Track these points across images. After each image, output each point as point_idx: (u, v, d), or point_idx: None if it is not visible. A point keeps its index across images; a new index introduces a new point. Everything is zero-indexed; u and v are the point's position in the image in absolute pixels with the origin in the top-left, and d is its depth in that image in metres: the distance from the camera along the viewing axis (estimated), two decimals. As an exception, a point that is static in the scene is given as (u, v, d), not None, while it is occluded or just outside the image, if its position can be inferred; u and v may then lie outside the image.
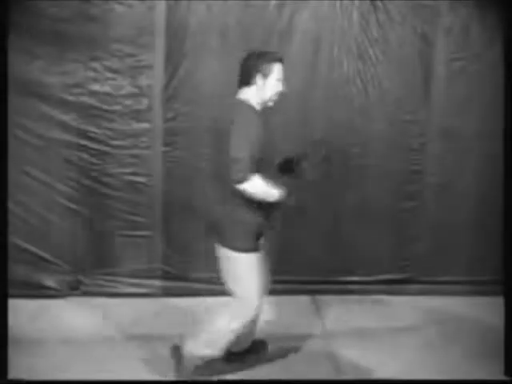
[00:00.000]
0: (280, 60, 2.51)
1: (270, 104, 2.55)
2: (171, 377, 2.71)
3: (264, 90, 2.49)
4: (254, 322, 2.73)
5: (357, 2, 3.47)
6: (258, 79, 2.47)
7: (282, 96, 2.55)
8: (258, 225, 2.51)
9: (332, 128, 3.60)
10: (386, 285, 3.80)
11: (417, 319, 3.48)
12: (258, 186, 2.38)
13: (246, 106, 2.48)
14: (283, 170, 2.71)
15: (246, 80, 2.49)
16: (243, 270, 2.53)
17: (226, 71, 3.40)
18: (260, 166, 2.41)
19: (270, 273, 2.78)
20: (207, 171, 3.49)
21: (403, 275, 3.84)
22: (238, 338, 2.74)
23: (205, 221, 2.69)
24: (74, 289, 3.59)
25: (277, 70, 2.49)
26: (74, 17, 3.30)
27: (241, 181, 2.35)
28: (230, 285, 2.58)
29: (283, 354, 2.99)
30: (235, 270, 2.54)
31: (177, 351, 2.74)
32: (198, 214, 3.43)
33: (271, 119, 2.71)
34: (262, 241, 2.58)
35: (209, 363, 2.71)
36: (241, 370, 2.80)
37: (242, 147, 2.34)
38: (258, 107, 2.51)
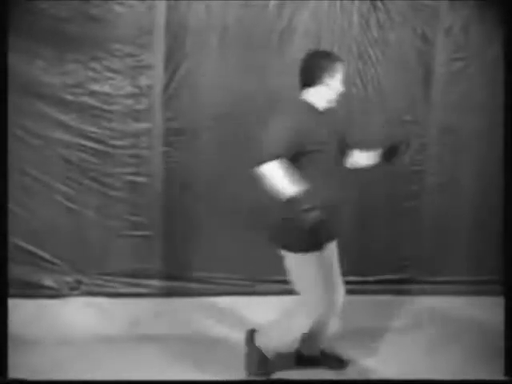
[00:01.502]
0: (341, 60, 2.59)
1: (334, 104, 2.57)
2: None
3: (329, 88, 2.52)
4: (321, 324, 2.72)
5: (357, 2, 3.47)
6: (325, 78, 2.49)
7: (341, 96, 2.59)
8: (311, 223, 2.34)
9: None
10: (386, 285, 3.80)
11: (417, 319, 3.48)
12: (275, 172, 2.33)
13: (295, 102, 2.52)
14: (386, 155, 2.72)
15: (305, 80, 2.52)
16: (307, 270, 2.54)
17: (226, 71, 3.41)
18: (314, 161, 2.44)
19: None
20: (207, 172, 3.50)
21: (403, 275, 3.83)
22: (305, 339, 2.79)
23: (266, 225, 2.65)
24: (73, 289, 3.59)
25: (341, 69, 2.55)
26: (74, 17, 3.29)
27: (261, 162, 2.33)
28: (296, 286, 2.61)
29: (283, 354, 2.99)
30: (298, 271, 2.56)
31: (251, 340, 2.78)
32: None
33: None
34: (325, 239, 2.56)
35: (277, 359, 2.76)
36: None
37: (273, 138, 2.38)
38: (322, 106, 2.53)
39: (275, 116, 2.49)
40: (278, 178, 2.33)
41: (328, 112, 2.58)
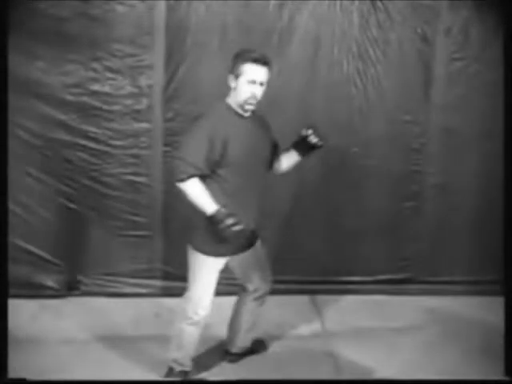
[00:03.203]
0: (254, 60, 2.36)
1: (249, 108, 2.41)
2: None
3: (236, 92, 2.40)
4: (233, 321, 2.81)
5: (357, 2, 3.47)
6: (231, 81, 2.42)
7: (259, 103, 2.44)
8: (220, 230, 2.34)
9: (332, 128, 3.60)
10: (386, 285, 3.80)
11: (417, 319, 3.48)
12: (195, 191, 2.34)
13: (218, 106, 2.45)
14: (297, 147, 2.63)
15: (228, 81, 2.45)
16: (199, 270, 2.54)
17: (226, 71, 3.40)
18: (237, 170, 2.39)
19: (271, 272, 2.79)
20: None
21: (403, 275, 3.83)
22: (230, 338, 2.82)
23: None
24: (73, 289, 3.59)
25: (249, 70, 2.36)
26: (74, 17, 3.29)
27: (180, 180, 2.33)
28: (189, 283, 2.60)
29: (283, 354, 2.99)
30: (195, 270, 2.56)
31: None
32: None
33: (272, 120, 2.70)
34: (234, 247, 2.51)
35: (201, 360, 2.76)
36: (245, 371, 2.81)
37: (191, 148, 2.34)
38: (238, 110, 2.44)
39: (198, 120, 2.43)
40: (197, 196, 2.35)
41: (253, 117, 2.48)
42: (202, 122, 2.41)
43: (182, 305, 2.63)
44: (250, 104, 2.40)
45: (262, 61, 2.37)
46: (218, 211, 2.33)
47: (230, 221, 2.30)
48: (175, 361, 2.71)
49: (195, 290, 2.58)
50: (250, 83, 2.36)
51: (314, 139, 2.55)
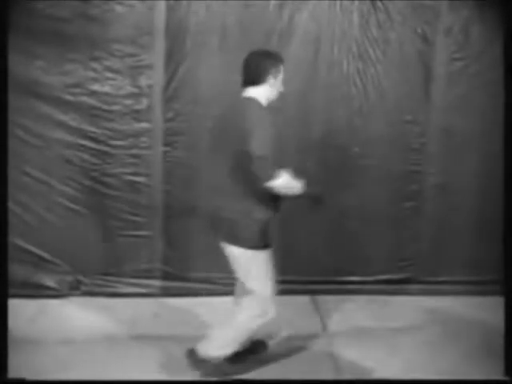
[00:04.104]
0: (283, 60, 2.61)
1: (272, 103, 2.58)
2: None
3: (273, 89, 2.56)
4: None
5: (357, 2, 3.47)
6: (270, 78, 2.52)
7: (280, 96, 2.61)
8: (269, 222, 2.54)
9: (332, 128, 3.60)
10: (386, 285, 3.80)
11: (417, 319, 3.48)
12: (286, 182, 2.40)
13: (258, 104, 2.51)
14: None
15: (255, 79, 2.52)
16: (261, 267, 2.57)
17: (226, 71, 3.41)
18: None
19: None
20: (207, 171, 3.49)
21: (403, 275, 3.83)
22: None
23: (211, 221, 2.66)
24: (74, 289, 3.59)
25: (282, 70, 2.58)
26: (73, 17, 3.30)
27: (269, 178, 2.35)
28: (249, 283, 2.60)
29: (283, 354, 2.99)
30: (253, 268, 2.57)
31: (192, 354, 2.72)
32: (201, 214, 3.42)
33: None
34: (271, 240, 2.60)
35: (218, 365, 2.71)
36: (245, 371, 2.80)
37: (264, 145, 2.35)
38: (264, 104, 2.55)
39: (253, 111, 2.48)
40: (287, 184, 2.41)
41: (271, 111, 2.60)
42: (260, 114, 2.46)
43: (245, 304, 2.63)
44: (275, 99, 2.61)
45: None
46: (305, 187, 2.45)
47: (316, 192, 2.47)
48: (214, 358, 2.68)
49: (260, 286, 2.59)
50: (282, 81, 2.60)
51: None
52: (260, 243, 2.53)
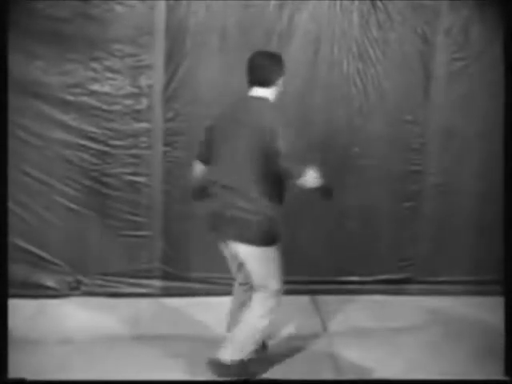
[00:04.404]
0: (284, 62, 2.64)
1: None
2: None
3: (278, 88, 2.62)
4: None
5: (357, 2, 3.48)
6: (279, 81, 2.58)
7: (280, 95, 2.64)
8: (278, 217, 2.57)
9: (332, 128, 3.60)
10: (386, 285, 3.80)
11: (417, 319, 3.48)
12: (314, 177, 2.43)
13: (273, 104, 2.57)
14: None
15: (265, 81, 2.55)
16: (274, 263, 2.63)
17: (225, 71, 3.41)
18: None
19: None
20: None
21: (403, 275, 3.83)
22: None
23: (215, 220, 2.64)
24: (74, 289, 3.59)
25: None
26: (73, 17, 3.30)
27: (300, 175, 2.40)
28: (263, 280, 2.62)
29: (283, 354, 2.99)
30: (265, 265, 2.61)
31: (215, 363, 2.69)
32: (202, 213, 3.41)
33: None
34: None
35: (242, 367, 2.71)
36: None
37: (291, 143, 2.43)
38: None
39: (273, 111, 2.53)
40: (313, 180, 2.44)
41: None
42: (279, 114, 2.53)
43: (254, 303, 2.65)
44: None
45: None
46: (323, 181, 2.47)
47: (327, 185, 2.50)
48: (236, 362, 2.67)
49: (273, 282, 2.64)
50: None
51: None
52: (272, 240, 2.57)
